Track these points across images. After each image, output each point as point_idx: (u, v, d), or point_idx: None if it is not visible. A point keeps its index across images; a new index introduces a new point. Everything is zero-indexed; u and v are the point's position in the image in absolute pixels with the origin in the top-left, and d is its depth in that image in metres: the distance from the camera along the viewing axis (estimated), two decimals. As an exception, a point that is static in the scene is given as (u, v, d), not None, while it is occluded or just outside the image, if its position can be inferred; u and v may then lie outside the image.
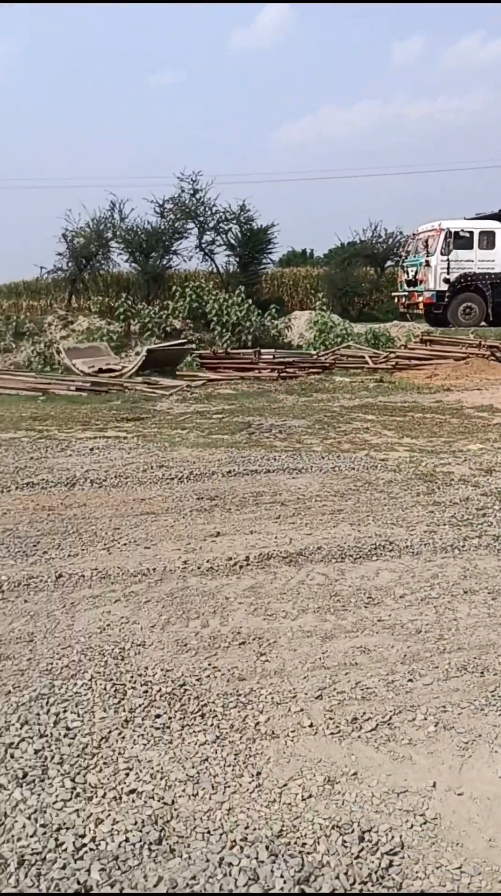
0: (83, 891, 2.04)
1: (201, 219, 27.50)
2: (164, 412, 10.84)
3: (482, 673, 3.21)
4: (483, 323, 22.11)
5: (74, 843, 2.23)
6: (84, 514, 5.65)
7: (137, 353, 15.59)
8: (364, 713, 2.91)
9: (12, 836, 2.27)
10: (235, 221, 27.82)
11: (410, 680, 3.16)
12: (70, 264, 27.64)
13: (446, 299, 21.86)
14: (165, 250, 27.20)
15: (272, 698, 3.02)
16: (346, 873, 2.10)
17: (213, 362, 15.86)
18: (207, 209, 27.36)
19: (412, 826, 2.30)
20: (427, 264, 21.98)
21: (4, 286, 33.41)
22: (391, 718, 2.88)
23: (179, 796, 2.44)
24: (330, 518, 5.50)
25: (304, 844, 2.22)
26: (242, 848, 2.19)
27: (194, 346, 17.96)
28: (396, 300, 25.25)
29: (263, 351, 16.30)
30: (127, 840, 2.24)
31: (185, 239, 27.70)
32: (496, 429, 9.16)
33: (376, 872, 2.11)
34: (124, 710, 2.94)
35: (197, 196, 27.12)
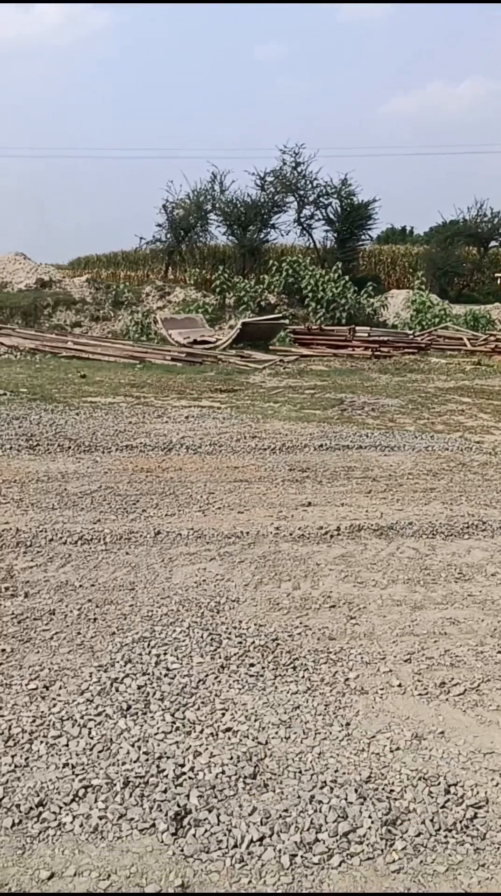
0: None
1: (302, 192, 27.34)
2: (256, 385, 10.99)
3: None
4: None
5: (174, 770, 2.40)
6: (180, 478, 5.85)
7: (232, 326, 15.77)
8: (452, 679, 2.98)
9: (117, 759, 2.46)
10: (335, 196, 27.55)
11: (499, 652, 3.20)
12: (169, 235, 27.94)
13: None
14: (263, 224, 27.17)
15: (362, 658, 3.13)
16: (432, 820, 2.20)
17: (306, 338, 15.89)
18: (308, 182, 27.18)
19: (497, 784, 2.37)
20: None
21: (104, 256, 34.15)
22: (479, 686, 2.94)
23: (273, 738, 2.58)
24: (422, 496, 5.52)
25: (391, 791, 2.32)
26: (331, 789, 2.32)
27: (288, 321, 18.02)
28: (499, 282, 24.58)
29: (357, 329, 16.21)
30: (223, 772, 2.39)
31: (284, 212, 27.61)
32: None
33: (461, 822, 2.20)
34: (220, 657, 3.10)
35: (299, 169, 26.97)
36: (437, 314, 19.10)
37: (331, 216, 27.98)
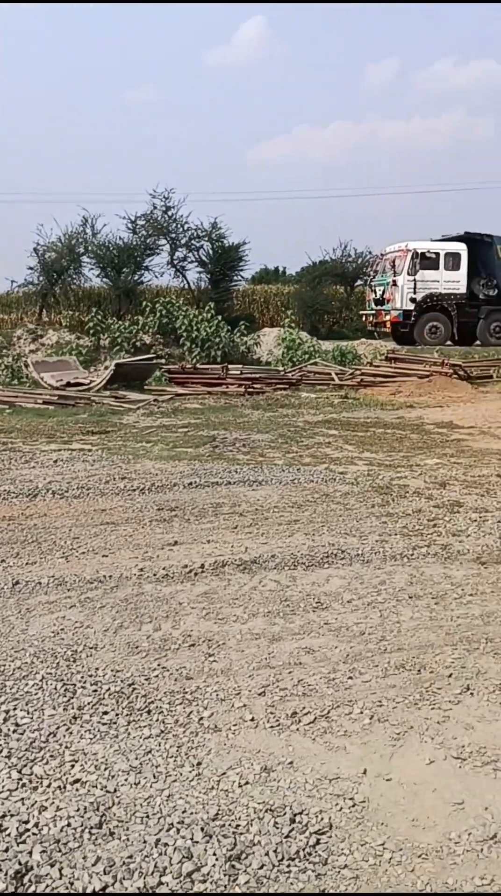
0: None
1: (173, 235, 27.80)
2: (130, 426, 10.95)
3: (419, 671, 3.37)
4: (448, 342, 22.58)
5: (17, 828, 2.33)
6: (45, 525, 5.74)
7: (107, 368, 15.68)
8: (304, 708, 3.05)
9: (-41, 823, 2.36)
10: (206, 238, 28.15)
11: (350, 677, 3.30)
12: (41, 278, 27.67)
13: (413, 318, 22.30)
14: (136, 266, 27.39)
15: (217, 695, 3.15)
16: (275, 850, 2.23)
17: (181, 377, 16.00)
18: (179, 226, 27.69)
19: (341, 808, 2.44)
20: (395, 284, 22.42)
21: (-26, 300, 33.28)
22: (329, 712, 3.02)
23: (122, 785, 2.55)
24: (286, 528, 5.65)
25: (237, 826, 2.34)
26: (178, 830, 2.31)
27: (163, 360, 18.12)
28: (364, 318, 25.67)
29: (230, 367, 16.47)
30: (69, 825, 2.35)
31: (157, 255, 27.97)
32: (453, 444, 9.40)
33: (303, 850, 2.24)
34: (73, 708, 3.05)
35: (169, 213, 27.44)
36: (307, 350, 19.69)
37: (204, 258, 28.57)
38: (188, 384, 15.58)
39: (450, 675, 3.32)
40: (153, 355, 17.99)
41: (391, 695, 3.16)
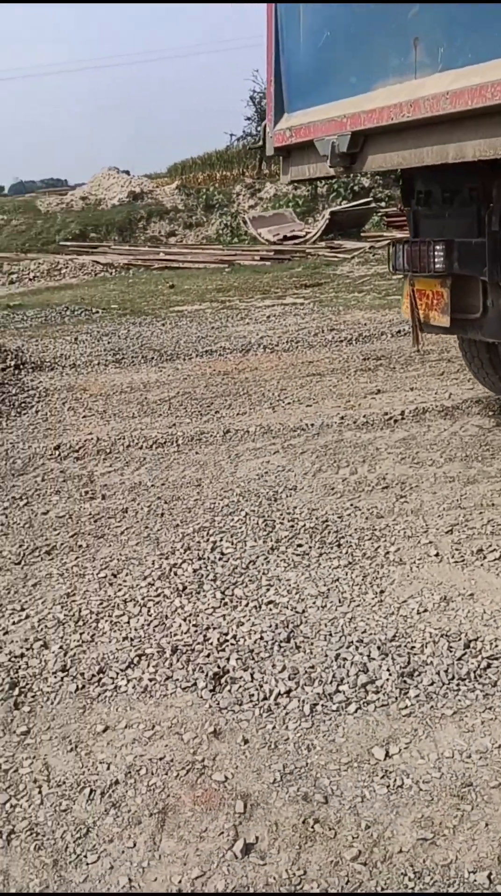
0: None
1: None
2: (343, 276, 10.85)
3: None
4: None
5: (218, 638, 2.68)
6: (255, 378, 6.03)
7: (323, 217, 15.42)
8: (490, 545, 3.09)
9: (170, 632, 2.76)
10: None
11: (543, 518, 3.27)
12: (259, 129, 27.19)
13: None
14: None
15: (405, 532, 3.28)
16: (446, 671, 2.38)
17: (399, 220, 15.30)
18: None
19: (516, 638, 2.51)
20: None
21: (199, 158, 33.64)
22: (516, 551, 3.03)
23: (310, 607, 2.81)
24: (496, 371, 5.44)
25: (413, 647, 2.51)
26: (357, 647, 2.53)
27: (382, 203, 17.41)
28: None
29: (452, 203, 15.44)
30: (261, 638, 2.65)
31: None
32: None
33: (474, 672, 2.36)
34: (271, 541, 3.34)
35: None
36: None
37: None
38: (407, 227, 14.91)
39: None
40: (370, 199, 17.32)
41: None
